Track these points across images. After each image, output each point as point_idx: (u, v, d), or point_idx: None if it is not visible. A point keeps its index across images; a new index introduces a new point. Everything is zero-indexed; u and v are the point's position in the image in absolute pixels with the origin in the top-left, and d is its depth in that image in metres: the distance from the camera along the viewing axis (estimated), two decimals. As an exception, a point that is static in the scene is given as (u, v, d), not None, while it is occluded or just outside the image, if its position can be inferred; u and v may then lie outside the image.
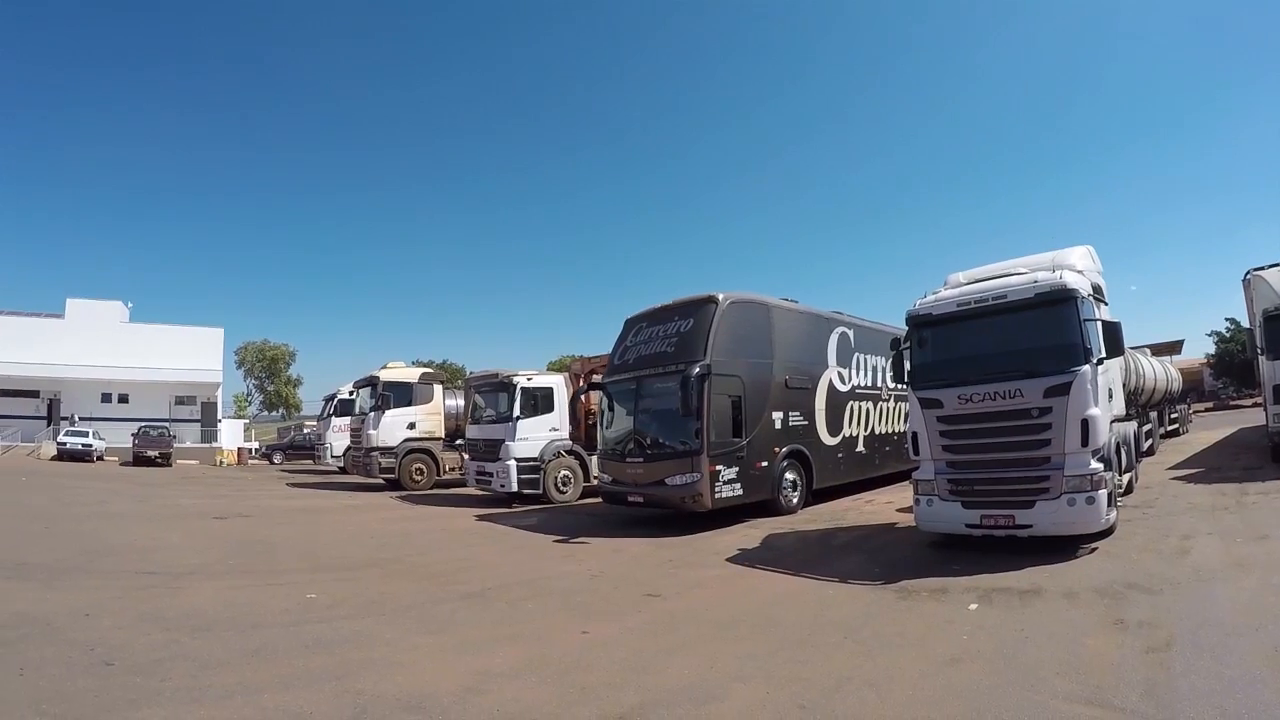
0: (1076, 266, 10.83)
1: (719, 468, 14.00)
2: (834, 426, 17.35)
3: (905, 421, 19.91)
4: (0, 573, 10.15)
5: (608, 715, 5.18)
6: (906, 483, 18.25)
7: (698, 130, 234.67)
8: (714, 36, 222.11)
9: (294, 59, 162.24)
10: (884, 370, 19.16)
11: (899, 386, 19.28)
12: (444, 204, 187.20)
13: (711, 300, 14.87)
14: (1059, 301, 9.56)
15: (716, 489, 13.92)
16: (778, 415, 15.52)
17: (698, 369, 13.88)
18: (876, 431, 19.22)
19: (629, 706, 5.33)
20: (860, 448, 18.45)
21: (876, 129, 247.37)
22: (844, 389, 17.92)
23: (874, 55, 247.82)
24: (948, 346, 10.55)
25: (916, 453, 10.72)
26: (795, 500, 15.75)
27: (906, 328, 11.10)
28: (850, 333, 18.52)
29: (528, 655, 6.75)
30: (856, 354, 18.61)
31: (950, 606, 7.73)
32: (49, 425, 48.39)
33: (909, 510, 11.74)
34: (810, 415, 16.57)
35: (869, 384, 19.04)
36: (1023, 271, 10.55)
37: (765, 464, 15.04)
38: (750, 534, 13.25)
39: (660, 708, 5.28)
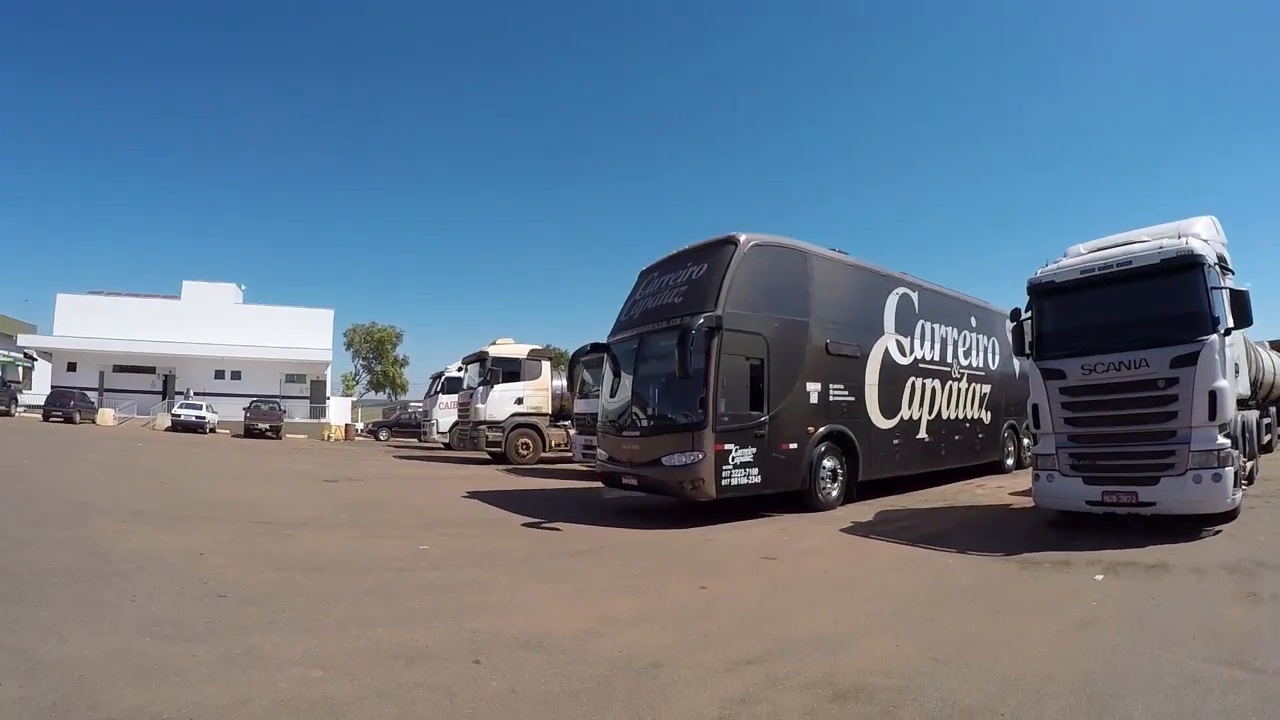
0: (1201, 235, 10.08)
1: (729, 446, 11.26)
2: (889, 406, 14.24)
3: (981, 406, 17.14)
4: (117, 517, 10.47)
5: (733, 660, 5.05)
6: (980, 480, 16.41)
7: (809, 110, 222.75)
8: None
9: (393, 79, 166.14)
10: (956, 344, 16.31)
11: (973, 364, 16.86)
12: (547, 180, 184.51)
13: (730, 241, 12.13)
14: (1186, 268, 9.23)
15: (724, 474, 11.21)
16: (814, 387, 12.63)
17: (702, 320, 11.17)
18: (944, 416, 15.89)
19: (754, 654, 5.20)
20: (923, 434, 15.23)
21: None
22: (904, 362, 14.73)
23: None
24: (1070, 315, 10.24)
25: (1037, 425, 10.38)
26: (834, 494, 12.82)
27: (1027, 297, 10.62)
28: (914, 295, 15.29)
29: (646, 605, 6.76)
30: (922, 322, 15.38)
31: (1075, 577, 7.54)
32: (164, 399, 50.13)
33: (1024, 494, 11.92)
34: (859, 390, 13.55)
35: (936, 358, 15.72)
36: (1146, 240, 10.27)
37: (794, 446, 12.18)
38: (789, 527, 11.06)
39: (787, 656, 5.16)
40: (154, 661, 4.80)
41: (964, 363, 16.52)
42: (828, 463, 12.64)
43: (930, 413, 15.31)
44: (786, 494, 12.26)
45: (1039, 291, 10.48)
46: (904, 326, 14.74)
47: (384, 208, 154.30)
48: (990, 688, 4.46)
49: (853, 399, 13.30)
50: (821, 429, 12.55)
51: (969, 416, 16.65)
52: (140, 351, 49.98)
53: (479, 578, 7.71)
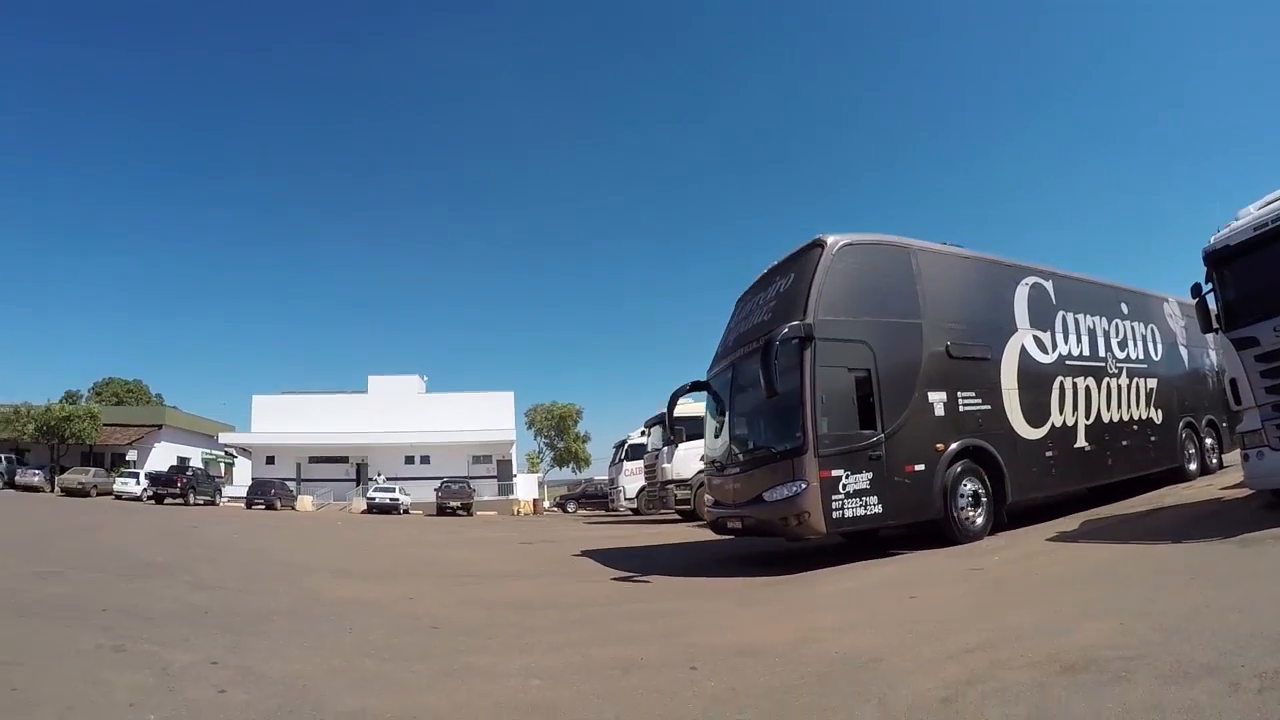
0: None
1: (838, 473, 9.73)
2: (1036, 412, 12.09)
3: (1149, 404, 14.26)
4: (326, 574, 11.46)
5: (952, 651, 4.98)
6: (1158, 493, 13.43)
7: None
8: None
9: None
10: (1108, 335, 13.98)
11: (1131, 356, 14.38)
12: (709, 246, 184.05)
13: (816, 244, 10.88)
14: None
15: (834, 504, 9.64)
16: (938, 396, 10.84)
17: (787, 330, 9.91)
18: (1105, 419, 13.39)
19: (973, 644, 5.08)
20: (1081, 441, 12.78)
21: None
22: (1046, 359, 12.62)
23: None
24: (1254, 276, 9.55)
25: (1238, 402, 9.64)
26: (978, 521, 10.79)
27: (1204, 268, 9.89)
28: (1048, 285, 13.18)
29: (857, 615, 6.83)
30: (1062, 313, 13.18)
31: (1301, 549, 7.08)
32: (358, 485, 53.25)
33: (1237, 486, 11.38)
34: (994, 396, 11.57)
35: (1086, 352, 13.42)
36: None
37: (921, 468, 10.39)
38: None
39: (1007, 643, 5.01)
40: (373, 676, 5.23)
41: (1120, 355, 14.19)
42: (967, 485, 10.78)
43: (1088, 416, 13.05)
44: (922, 527, 10.74)
45: (1216, 259, 9.83)
46: (1040, 320, 12.74)
47: (558, 291, 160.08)
48: (1226, 646, 4.33)
49: (988, 407, 11.44)
50: (954, 445, 10.78)
51: (1136, 417, 14.19)
52: (333, 442, 53.47)
53: (686, 606, 7.96)
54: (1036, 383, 12.28)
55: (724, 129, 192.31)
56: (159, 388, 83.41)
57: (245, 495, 43.92)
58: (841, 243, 10.85)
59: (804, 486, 9.66)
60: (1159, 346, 15.35)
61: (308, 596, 9.26)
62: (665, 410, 13.59)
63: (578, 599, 8.88)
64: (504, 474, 57.45)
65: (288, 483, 48.68)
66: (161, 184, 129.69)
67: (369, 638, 6.53)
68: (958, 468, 10.72)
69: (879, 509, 9.97)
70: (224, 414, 71.43)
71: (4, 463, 42.84)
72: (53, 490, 41.82)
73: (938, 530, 10.60)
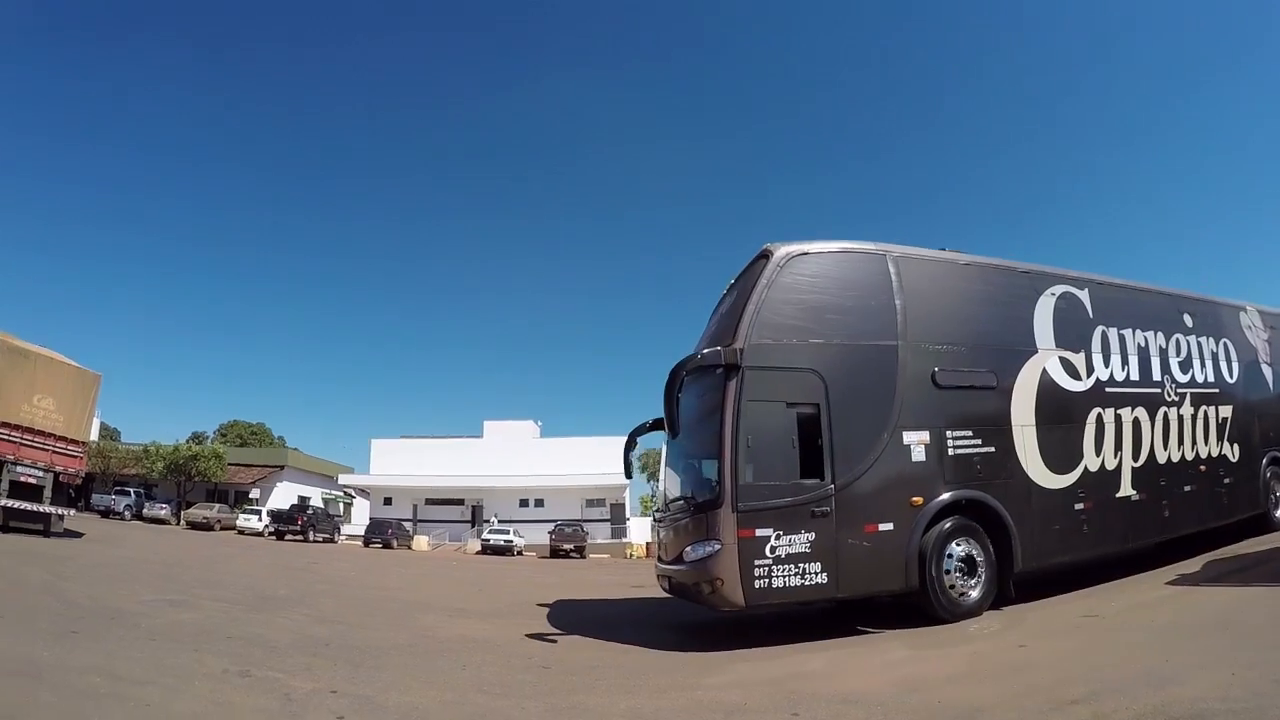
0: None
1: (764, 532, 8.10)
2: (1061, 454, 9.92)
3: (1221, 437, 11.49)
4: (442, 612, 11.95)
5: (1056, 702, 4.91)
6: (1232, 549, 11.36)
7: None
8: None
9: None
10: (1165, 353, 11.53)
11: (1197, 379, 11.73)
12: None
13: (762, 256, 9.30)
14: None
15: (758, 572, 8.03)
16: (916, 437, 8.96)
17: (701, 358, 8.68)
18: (1159, 459, 10.89)
19: (1079, 695, 5.00)
20: (1127, 490, 10.44)
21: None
22: (1077, 387, 10.39)
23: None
24: None
25: None
26: (973, 594, 8.86)
27: None
28: (1083, 295, 10.91)
29: (962, 665, 6.67)
30: (1101, 329, 10.88)
31: None
32: (473, 526, 55.64)
33: None
34: (1000, 435, 9.54)
35: (1135, 376, 11.05)
36: None
37: (888, 527, 8.57)
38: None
39: (1114, 694, 4.92)
40: (485, 710, 5.52)
41: (1182, 379, 11.62)
42: (958, 547, 8.85)
43: (1136, 457, 10.61)
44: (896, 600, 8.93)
45: None
46: (1071, 338, 10.53)
47: (669, 340, 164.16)
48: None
49: (991, 449, 9.39)
50: (940, 498, 8.88)
51: (1204, 455, 11.51)
52: (449, 485, 55.73)
53: (793, 651, 7.90)
54: (1063, 417, 10.12)
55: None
56: (282, 430, 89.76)
57: (363, 534, 46.27)
58: (792, 253, 9.20)
59: (717, 548, 8.15)
60: (1234, 366, 12.61)
61: (424, 632, 9.59)
62: (624, 450, 11.93)
63: (680, 641, 8.83)
64: (617, 517, 57.91)
65: (404, 523, 50.79)
66: (284, 233, 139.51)
67: (482, 674, 6.85)
68: (945, 526, 8.83)
69: (822, 578, 8.22)
70: (344, 456, 74.93)
71: (133, 497, 45.27)
72: (178, 523, 44.86)
73: (916, 603, 8.79)
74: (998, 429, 9.57)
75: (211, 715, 5.10)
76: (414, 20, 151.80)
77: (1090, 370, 10.59)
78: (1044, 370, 10.15)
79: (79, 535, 22.33)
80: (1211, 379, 12.19)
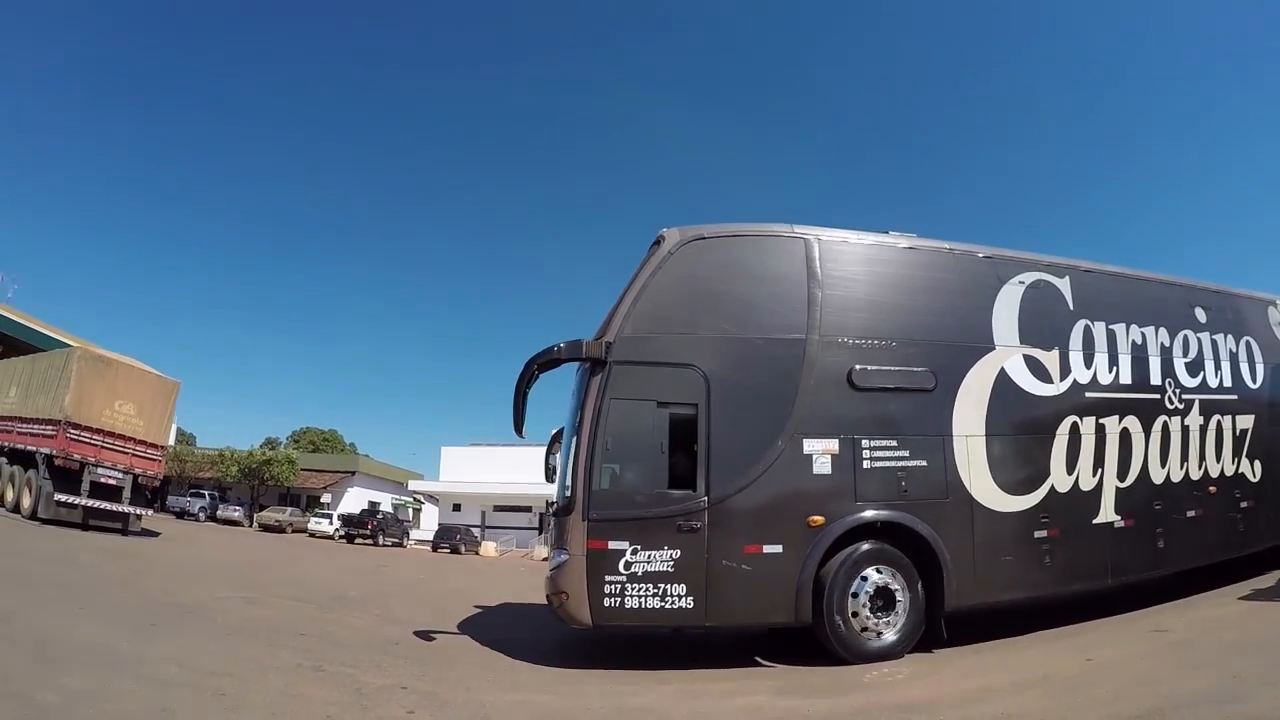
0: None
1: (618, 545, 7.27)
2: (1018, 473, 8.40)
3: (1237, 453, 9.76)
4: (509, 614, 12.46)
5: (1121, 716, 4.90)
6: (1237, 590, 9.66)
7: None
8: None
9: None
10: (1169, 353, 9.72)
11: (1209, 385, 9.91)
12: None
13: (658, 241, 8.40)
14: None
15: (609, 589, 7.21)
16: (820, 446, 7.76)
17: (558, 350, 8.09)
18: (1154, 478, 9.12)
19: (1144, 710, 4.96)
20: (1109, 515, 8.74)
21: None
22: (1047, 391, 8.77)
23: None
24: None
25: None
26: (888, 635, 7.55)
27: None
28: (1062, 284, 9.29)
29: (1027, 676, 6.51)
30: (1084, 323, 9.20)
31: None
32: (540, 533, 55.95)
33: None
34: (935, 446, 8.12)
35: (1128, 380, 9.29)
36: None
37: (775, 549, 7.47)
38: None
39: (1179, 710, 4.87)
40: (550, 710, 5.73)
41: (1190, 383, 9.72)
42: (877, 575, 7.57)
43: (1123, 476, 8.89)
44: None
45: None
46: (1043, 333, 8.93)
47: None
48: None
49: (921, 463, 7.99)
50: (849, 519, 7.65)
51: (1215, 473, 9.59)
52: (517, 492, 55.55)
53: (645, 679, 7.22)
54: (1025, 426, 8.65)
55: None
56: (353, 437, 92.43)
57: (431, 539, 47.24)
58: (688, 238, 8.29)
59: (565, 558, 7.50)
60: (1259, 369, 10.56)
61: (491, 634, 9.48)
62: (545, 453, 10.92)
63: (749, 646, 8.38)
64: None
65: (473, 529, 51.75)
66: (358, 253, 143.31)
67: (548, 675, 6.93)
68: (857, 551, 7.60)
69: (687, 603, 7.26)
70: (414, 463, 76.41)
71: (208, 499, 47.23)
72: (251, 525, 47.23)
73: (819, 638, 7.58)
74: (932, 438, 8.16)
75: (285, 706, 5.22)
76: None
77: (1066, 371, 8.95)
78: (1002, 371, 8.63)
79: (155, 535, 23.48)
80: (1229, 383, 10.23)
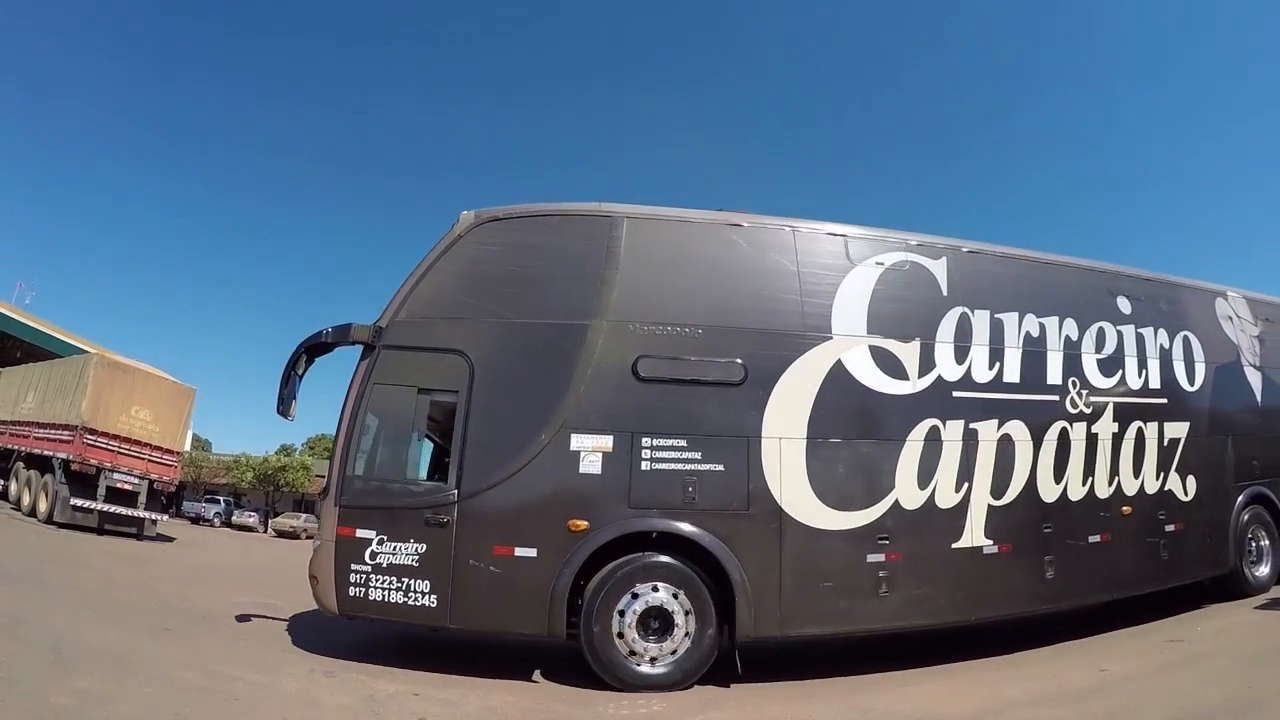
0: None
1: (365, 533, 6.80)
2: (849, 483, 7.10)
3: (1166, 467, 8.11)
4: None
5: None
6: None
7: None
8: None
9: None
10: (1077, 347, 8.25)
11: (1132, 386, 8.33)
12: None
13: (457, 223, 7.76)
14: None
15: (354, 578, 6.72)
16: (591, 443, 6.80)
17: (326, 334, 7.60)
18: (1043, 497, 7.62)
19: None
20: (977, 538, 7.28)
21: None
22: (899, 389, 7.41)
23: None
24: None
25: None
26: (661, 663, 6.47)
27: None
28: (936, 266, 7.95)
29: (1042, 688, 6.31)
30: (960, 311, 7.80)
31: None
32: None
33: None
34: (737, 448, 6.92)
35: (1014, 379, 7.84)
36: None
37: (528, 553, 6.60)
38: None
39: None
40: (560, 717, 5.76)
41: (1102, 382, 8.19)
42: (651, 593, 6.53)
43: (999, 492, 7.42)
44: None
45: None
46: (901, 322, 7.59)
47: None
48: None
49: (717, 467, 6.83)
50: (613, 526, 6.66)
51: (1130, 490, 8.06)
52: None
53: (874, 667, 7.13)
54: (864, 429, 7.34)
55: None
56: None
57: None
58: (483, 218, 7.60)
59: (318, 543, 7.22)
60: (1197, 368, 8.96)
61: (507, 641, 9.04)
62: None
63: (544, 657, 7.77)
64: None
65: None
66: (367, 261, 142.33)
67: (564, 682, 6.68)
68: (631, 564, 6.60)
69: (429, 601, 6.63)
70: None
71: (223, 504, 46.80)
72: (265, 531, 47.18)
73: (582, 650, 6.65)
74: (735, 440, 6.97)
75: (297, 711, 5.22)
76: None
77: (928, 367, 7.53)
78: (838, 363, 7.30)
79: (170, 539, 23.66)
80: (1156, 385, 8.66)
